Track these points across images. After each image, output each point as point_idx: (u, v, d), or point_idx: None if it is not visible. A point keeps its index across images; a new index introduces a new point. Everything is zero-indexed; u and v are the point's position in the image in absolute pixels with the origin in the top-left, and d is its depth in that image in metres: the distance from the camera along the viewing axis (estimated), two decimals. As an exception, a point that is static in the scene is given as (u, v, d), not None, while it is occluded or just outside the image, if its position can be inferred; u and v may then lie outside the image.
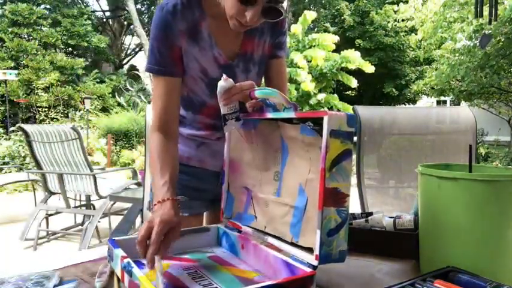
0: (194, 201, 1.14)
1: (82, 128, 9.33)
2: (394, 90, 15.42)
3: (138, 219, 3.19)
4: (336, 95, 9.37)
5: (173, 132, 1.02)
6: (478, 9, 3.75)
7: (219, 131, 1.09)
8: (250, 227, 0.87)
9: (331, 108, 8.93)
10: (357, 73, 9.31)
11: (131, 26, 17.53)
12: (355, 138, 2.04)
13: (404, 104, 16.44)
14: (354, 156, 2.00)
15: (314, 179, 0.71)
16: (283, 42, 1.16)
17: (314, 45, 9.05)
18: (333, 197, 0.65)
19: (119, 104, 12.87)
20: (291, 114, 0.76)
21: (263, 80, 1.20)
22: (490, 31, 6.91)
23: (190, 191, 1.12)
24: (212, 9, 1.00)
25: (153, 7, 18.36)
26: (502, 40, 7.37)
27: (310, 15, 9.06)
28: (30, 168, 5.48)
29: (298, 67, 8.70)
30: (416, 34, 9.31)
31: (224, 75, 0.89)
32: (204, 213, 1.25)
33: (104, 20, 19.90)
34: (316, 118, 0.70)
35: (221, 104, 0.89)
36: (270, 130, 0.86)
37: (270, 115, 0.84)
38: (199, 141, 1.13)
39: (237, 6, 0.87)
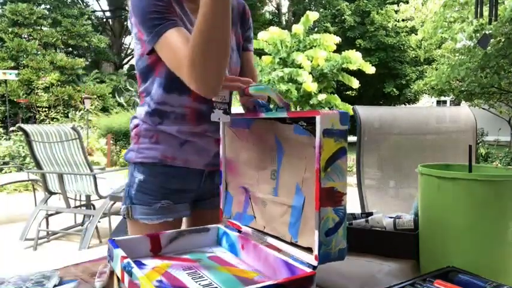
0: (178, 204, 1.11)
1: (82, 128, 9.33)
2: (394, 90, 15.44)
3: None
4: (336, 95, 9.37)
5: None
6: (478, 9, 3.76)
7: (207, 121, 1.04)
8: (250, 227, 0.87)
9: (331, 108, 8.93)
10: (358, 73, 9.31)
11: (131, 26, 17.48)
12: (355, 138, 2.04)
13: (405, 104, 16.45)
14: (354, 156, 2.00)
15: (310, 178, 0.71)
16: (251, 37, 1.22)
17: (315, 46, 9.05)
18: (330, 197, 0.65)
19: (119, 104, 12.87)
20: (284, 114, 0.76)
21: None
22: (490, 31, 6.91)
23: (174, 194, 1.10)
24: None
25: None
26: (502, 40, 7.37)
27: (312, 15, 9.06)
28: (30, 168, 5.48)
29: (300, 67, 8.70)
30: (416, 34, 9.32)
31: None
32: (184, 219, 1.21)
33: (104, 20, 19.91)
34: (309, 118, 0.70)
35: None
36: (264, 129, 0.86)
37: (262, 115, 0.83)
38: (183, 139, 1.07)
39: None
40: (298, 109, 8.87)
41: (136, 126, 1.11)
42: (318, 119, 0.64)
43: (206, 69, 0.83)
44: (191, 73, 0.84)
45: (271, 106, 0.82)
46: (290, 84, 8.69)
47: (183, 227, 1.19)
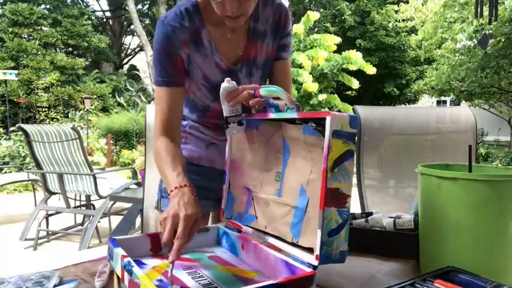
0: (203, 201, 1.14)
1: (82, 128, 9.33)
2: (394, 90, 15.43)
3: (138, 219, 3.19)
4: (336, 96, 9.36)
5: (177, 137, 1.05)
6: (478, 9, 3.76)
7: (223, 130, 1.11)
8: (251, 227, 0.87)
9: (331, 108, 8.93)
10: (358, 73, 9.30)
11: (131, 26, 17.53)
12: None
13: (405, 104, 16.45)
14: (354, 156, 2.00)
15: (315, 180, 0.71)
16: (288, 43, 1.15)
17: (315, 46, 9.04)
18: (334, 198, 0.66)
19: (119, 104, 12.88)
20: (294, 115, 0.76)
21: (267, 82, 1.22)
22: (490, 31, 6.91)
23: (199, 191, 1.11)
24: (211, 17, 1.01)
25: (153, 7, 18.35)
26: (503, 40, 7.37)
27: (313, 15, 9.05)
28: (30, 168, 5.48)
29: (300, 67, 8.69)
30: (416, 34, 9.32)
31: (227, 78, 0.89)
32: (210, 213, 1.27)
33: (104, 20, 19.91)
34: (319, 118, 0.70)
35: (224, 106, 0.90)
36: (272, 131, 0.86)
37: (272, 115, 0.84)
38: (209, 142, 1.18)
39: (215, 3, 0.89)
40: (298, 109, 8.83)
41: None
42: (328, 119, 0.65)
43: None
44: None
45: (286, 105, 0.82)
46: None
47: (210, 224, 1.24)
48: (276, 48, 1.13)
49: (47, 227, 3.74)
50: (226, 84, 0.88)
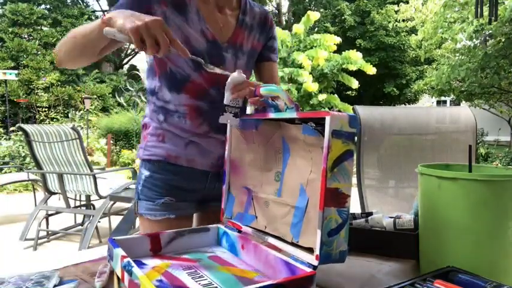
0: (181, 203, 1.12)
1: (82, 128, 9.33)
2: (394, 90, 15.44)
3: (138, 219, 3.19)
4: (336, 96, 9.36)
5: None
6: (478, 9, 3.76)
7: (207, 120, 1.08)
8: (251, 227, 0.87)
9: (331, 109, 8.93)
10: (358, 73, 9.30)
11: (131, 26, 17.47)
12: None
13: (405, 104, 16.45)
14: (354, 156, 2.00)
15: (315, 180, 0.71)
16: (275, 47, 1.23)
17: (315, 46, 9.04)
18: (334, 197, 0.66)
19: (119, 104, 12.88)
20: (293, 115, 0.77)
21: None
22: (490, 31, 6.91)
23: (177, 192, 1.11)
24: None
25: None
26: (503, 40, 7.37)
27: (313, 15, 9.05)
28: (30, 168, 5.48)
29: (300, 67, 8.69)
30: (416, 34, 9.32)
31: (238, 69, 0.90)
32: (194, 215, 1.23)
33: (104, 20, 19.87)
34: (318, 118, 0.70)
35: (227, 93, 0.90)
36: (271, 130, 0.86)
37: (272, 115, 0.84)
38: (188, 139, 1.10)
39: None
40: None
41: (144, 125, 1.16)
42: (327, 119, 0.65)
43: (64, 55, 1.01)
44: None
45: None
46: (290, 84, 8.69)
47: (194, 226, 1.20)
48: (263, 45, 1.20)
49: (47, 227, 3.74)
50: (236, 75, 0.88)
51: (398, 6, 9.99)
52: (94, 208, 3.89)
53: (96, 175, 3.44)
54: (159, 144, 1.10)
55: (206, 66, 0.91)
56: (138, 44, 0.77)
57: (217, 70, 0.92)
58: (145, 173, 1.12)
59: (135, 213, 1.16)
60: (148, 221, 1.11)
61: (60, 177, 3.42)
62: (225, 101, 0.90)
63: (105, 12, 0.82)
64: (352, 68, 8.92)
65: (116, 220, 3.46)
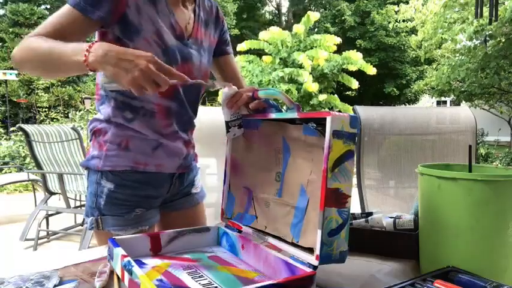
0: (151, 211, 1.08)
1: (82, 128, 9.32)
2: (395, 90, 15.45)
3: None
4: (336, 96, 9.36)
5: None
6: (478, 9, 3.76)
7: (176, 120, 1.05)
8: (251, 227, 0.87)
9: (331, 109, 8.92)
10: (358, 73, 9.30)
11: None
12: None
13: (405, 104, 16.46)
14: (355, 157, 2.00)
15: (315, 180, 0.72)
16: (228, 39, 1.22)
17: (316, 46, 9.04)
18: (335, 198, 0.66)
19: (119, 104, 12.87)
20: (294, 115, 0.77)
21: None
22: (490, 31, 6.91)
23: (145, 200, 1.06)
24: None
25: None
26: (503, 41, 7.37)
27: (313, 16, 9.06)
28: (30, 168, 5.48)
29: (300, 67, 8.69)
30: (416, 35, 9.32)
31: (229, 84, 0.89)
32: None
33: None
34: (319, 119, 0.70)
35: (224, 110, 0.90)
36: (272, 131, 0.86)
37: (272, 116, 0.84)
38: (156, 143, 1.03)
39: None
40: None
41: (98, 130, 1.03)
42: (328, 119, 0.65)
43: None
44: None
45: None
46: (290, 84, 8.69)
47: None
48: (219, 42, 1.18)
49: (47, 227, 3.74)
50: (228, 90, 0.88)
51: (398, 6, 9.99)
52: (94, 208, 3.88)
53: (96, 175, 3.44)
54: (122, 152, 1.00)
55: (212, 87, 0.91)
56: (139, 93, 0.76)
57: (218, 85, 0.92)
58: (108, 185, 1.00)
59: (91, 229, 1.02)
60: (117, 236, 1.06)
61: (60, 177, 3.42)
62: (226, 119, 0.90)
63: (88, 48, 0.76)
64: (352, 68, 8.91)
65: (116, 220, 3.46)
